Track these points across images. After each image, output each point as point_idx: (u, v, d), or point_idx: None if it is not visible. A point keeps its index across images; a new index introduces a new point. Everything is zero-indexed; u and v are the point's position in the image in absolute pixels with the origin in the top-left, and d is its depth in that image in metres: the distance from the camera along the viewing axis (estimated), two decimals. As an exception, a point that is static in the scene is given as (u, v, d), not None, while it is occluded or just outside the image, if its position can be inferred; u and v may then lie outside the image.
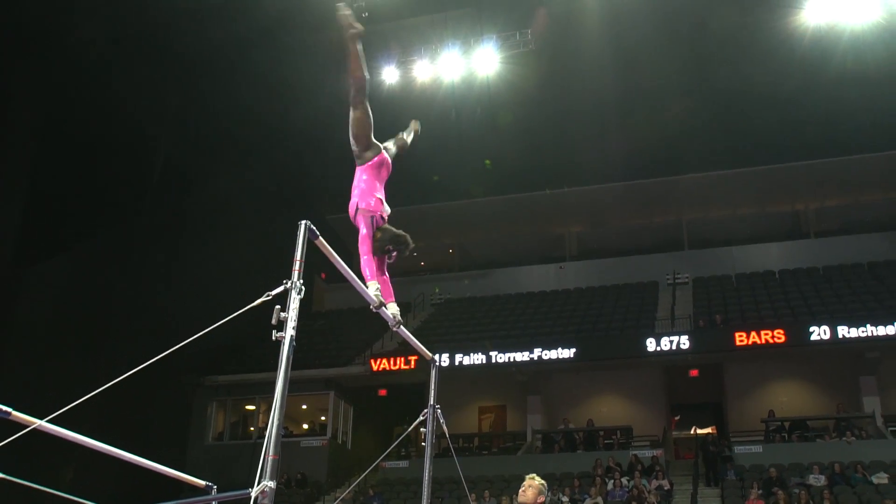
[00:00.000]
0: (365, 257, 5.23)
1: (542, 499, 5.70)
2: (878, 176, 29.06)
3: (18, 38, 20.14)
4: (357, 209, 5.42)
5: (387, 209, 5.53)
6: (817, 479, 18.66)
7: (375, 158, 5.61)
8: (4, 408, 4.36)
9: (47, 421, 4.19)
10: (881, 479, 18.41)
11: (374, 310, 5.16)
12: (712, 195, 30.49)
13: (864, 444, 20.37)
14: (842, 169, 28.76)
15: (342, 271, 4.68)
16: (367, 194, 5.45)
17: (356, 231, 5.31)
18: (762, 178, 29.62)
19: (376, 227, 5.36)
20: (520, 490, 5.75)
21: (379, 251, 5.33)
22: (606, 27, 23.42)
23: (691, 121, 27.45)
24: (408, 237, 5.45)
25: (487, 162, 30.41)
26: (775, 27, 23.17)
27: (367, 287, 5.09)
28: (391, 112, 25.82)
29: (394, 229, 5.43)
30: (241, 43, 23.19)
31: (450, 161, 28.00)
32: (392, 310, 5.28)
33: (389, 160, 5.74)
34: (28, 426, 4.16)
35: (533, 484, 5.72)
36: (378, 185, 5.56)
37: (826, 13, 22.24)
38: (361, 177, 5.54)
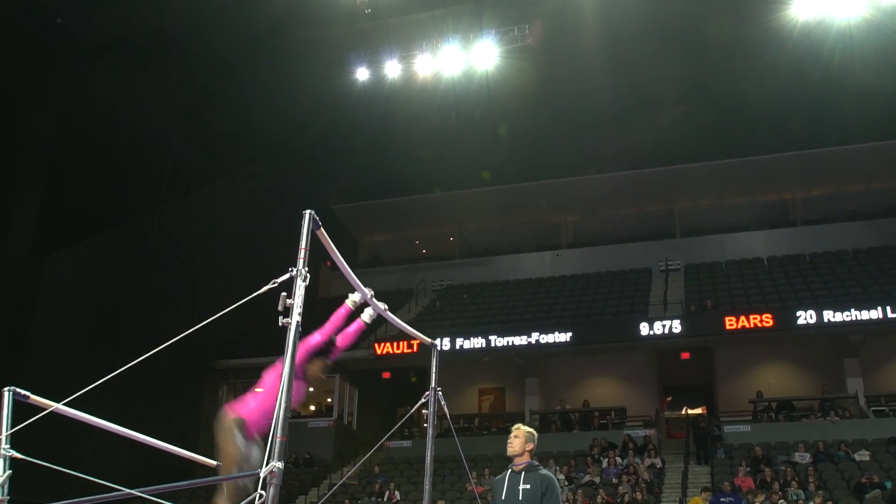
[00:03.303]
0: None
1: (530, 446, 5.67)
2: (862, 167, 29.43)
3: (36, 44, 20.52)
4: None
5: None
6: (802, 457, 19.09)
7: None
8: (23, 392, 4.66)
9: (63, 404, 4.32)
10: (863, 456, 18.85)
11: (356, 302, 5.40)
12: (703, 185, 30.82)
13: (847, 423, 20.82)
14: (828, 160, 29.15)
15: (336, 262, 4.68)
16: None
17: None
18: (751, 169, 29.94)
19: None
20: (507, 443, 5.71)
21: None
22: (601, 23, 23.64)
23: (683, 114, 27.93)
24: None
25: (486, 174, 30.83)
26: (765, 22, 23.44)
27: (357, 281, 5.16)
28: (394, 105, 26.55)
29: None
30: (246, 40, 23.63)
31: (451, 152, 28.49)
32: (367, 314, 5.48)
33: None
34: (46, 409, 4.29)
35: (519, 433, 5.69)
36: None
37: (815, 8, 22.59)
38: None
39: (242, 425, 4.96)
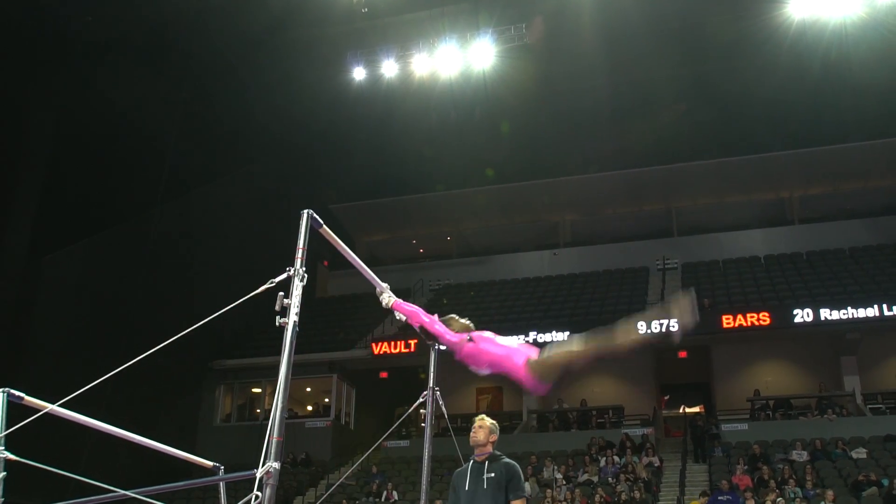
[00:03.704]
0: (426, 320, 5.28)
1: (493, 437, 5.65)
2: (859, 165, 29.41)
3: (35, 43, 20.49)
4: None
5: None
6: (800, 455, 19.08)
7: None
8: (17, 393, 4.66)
9: (59, 405, 4.30)
10: (860, 454, 18.84)
11: (382, 299, 5.31)
12: (701, 184, 30.76)
13: (844, 421, 20.83)
14: (825, 158, 29.14)
15: (347, 257, 4.65)
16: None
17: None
18: (748, 167, 29.93)
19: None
20: (471, 433, 5.68)
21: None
22: (599, 22, 23.69)
23: (680, 112, 27.96)
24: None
25: (489, 172, 30.84)
26: (762, 21, 23.48)
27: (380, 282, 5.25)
28: (391, 105, 26.56)
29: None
30: (245, 40, 23.64)
31: (449, 152, 28.50)
32: (385, 298, 5.36)
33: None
34: (41, 410, 4.27)
35: (483, 424, 5.68)
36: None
37: (810, 7, 22.69)
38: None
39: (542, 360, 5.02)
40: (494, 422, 5.76)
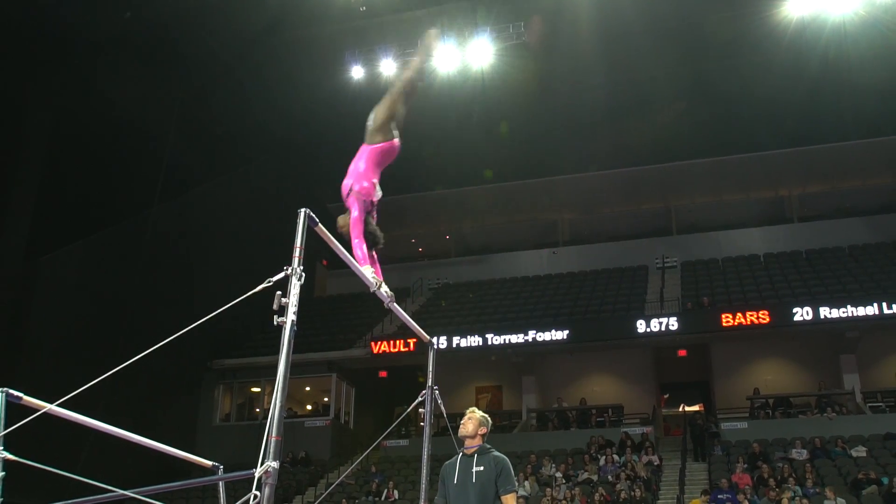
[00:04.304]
0: (356, 241, 5.29)
1: (483, 430, 5.52)
2: (858, 163, 29.46)
3: (33, 43, 20.47)
4: (350, 190, 5.43)
5: (378, 194, 5.56)
6: (799, 454, 19.14)
7: (385, 144, 5.62)
8: (16, 393, 4.62)
9: (58, 405, 4.26)
10: (860, 452, 18.89)
11: (372, 291, 5.25)
12: (699, 182, 30.82)
13: (844, 419, 20.88)
14: (824, 156, 29.20)
15: (342, 258, 4.67)
16: (362, 177, 5.45)
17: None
18: (747, 166, 29.97)
19: (366, 213, 5.42)
20: (460, 425, 5.58)
21: (368, 236, 5.40)
22: (597, 20, 23.55)
23: (679, 111, 27.93)
24: (381, 238, 5.57)
25: (488, 173, 30.82)
26: (761, 19, 23.42)
27: (362, 270, 5.15)
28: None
29: (373, 224, 5.52)
30: (243, 39, 23.61)
31: (447, 151, 28.45)
32: (385, 288, 5.31)
33: (396, 151, 5.70)
34: (39, 410, 4.26)
35: (473, 417, 5.55)
36: (376, 170, 5.57)
37: (809, 5, 22.65)
38: (362, 157, 5.57)
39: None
40: (485, 415, 5.61)
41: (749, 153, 29.50)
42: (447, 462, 5.62)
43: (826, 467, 18.44)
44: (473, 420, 5.52)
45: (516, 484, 5.72)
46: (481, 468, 5.36)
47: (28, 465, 4.94)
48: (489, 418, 5.67)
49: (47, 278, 21.67)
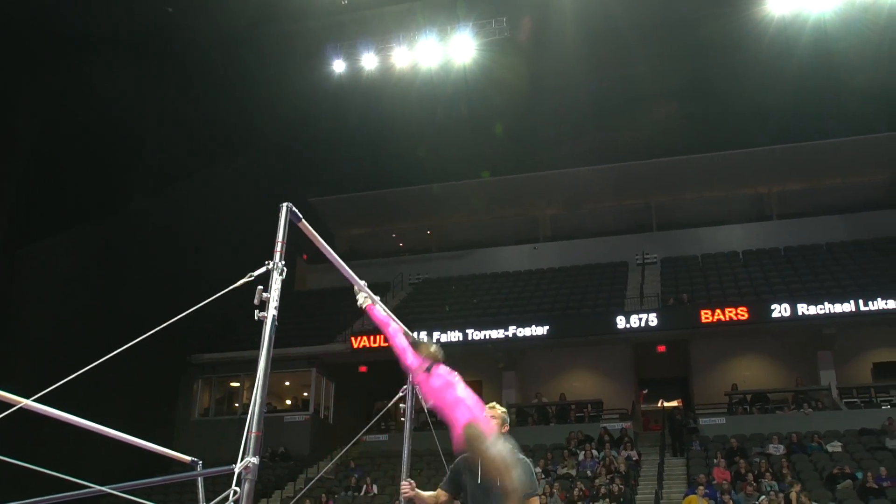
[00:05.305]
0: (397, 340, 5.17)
1: (505, 428, 5.04)
2: (838, 161, 29.59)
3: (21, 37, 20.33)
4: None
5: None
6: (776, 449, 19.30)
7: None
8: None
9: (34, 400, 4.10)
10: (835, 447, 19.11)
11: (357, 292, 5.23)
12: (680, 179, 30.89)
13: (820, 415, 21.07)
14: (805, 154, 29.34)
15: (324, 252, 4.61)
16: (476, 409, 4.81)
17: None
18: (728, 163, 30.06)
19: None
20: None
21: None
22: (582, 17, 23.72)
23: (661, 108, 27.99)
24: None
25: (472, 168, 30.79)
26: (742, 17, 23.66)
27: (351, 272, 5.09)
28: (371, 98, 26.45)
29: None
30: (226, 34, 23.48)
31: (429, 146, 28.42)
32: (360, 298, 5.29)
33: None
34: (14, 405, 4.05)
35: (495, 414, 5.04)
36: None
37: (789, 3, 22.87)
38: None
39: (480, 430, 4.61)
40: (504, 409, 5.22)
41: (730, 150, 29.59)
42: (466, 455, 4.97)
43: (802, 462, 18.60)
44: (496, 419, 5.01)
45: (538, 487, 5.50)
46: None
47: (4, 462, 4.75)
48: (507, 413, 5.26)
49: (29, 271, 21.49)
